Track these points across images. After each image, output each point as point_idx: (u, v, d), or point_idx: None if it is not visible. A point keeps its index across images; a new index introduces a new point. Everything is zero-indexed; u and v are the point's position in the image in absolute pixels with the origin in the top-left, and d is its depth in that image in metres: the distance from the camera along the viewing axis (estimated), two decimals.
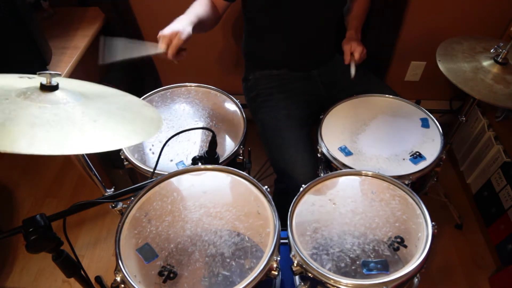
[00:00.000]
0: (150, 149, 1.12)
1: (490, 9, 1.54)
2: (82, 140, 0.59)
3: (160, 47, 0.97)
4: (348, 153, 1.12)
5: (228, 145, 1.13)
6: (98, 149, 0.60)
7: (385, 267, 0.79)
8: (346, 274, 0.78)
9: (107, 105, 0.73)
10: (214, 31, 1.22)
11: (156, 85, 1.34)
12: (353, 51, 1.25)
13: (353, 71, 1.22)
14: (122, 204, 1.04)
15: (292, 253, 0.83)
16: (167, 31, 0.98)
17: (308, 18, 1.23)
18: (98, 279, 0.89)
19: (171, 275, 0.76)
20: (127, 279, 0.73)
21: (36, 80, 0.68)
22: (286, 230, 0.86)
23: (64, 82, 0.70)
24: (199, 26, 1.07)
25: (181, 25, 1.00)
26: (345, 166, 1.07)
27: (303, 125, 1.27)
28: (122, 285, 0.74)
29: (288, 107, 1.30)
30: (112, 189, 1.12)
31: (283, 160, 1.22)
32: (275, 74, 1.37)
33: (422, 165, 1.07)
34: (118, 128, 0.68)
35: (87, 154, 1.05)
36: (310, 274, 0.79)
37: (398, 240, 0.84)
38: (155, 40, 0.99)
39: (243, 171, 0.94)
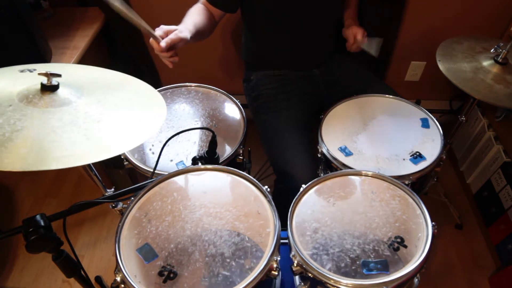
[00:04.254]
0: (150, 149, 1.12)
1: (490, 9, 1.54)
2: (87, 150, 0.60)
3: (156, 34, 0.95)
4: (348, 153, 1.11)
5: (228, 145, 1.13)
6: (103, 157, 0.60)
7: (385, 267, 0.79)
8: (346, 274, 0.78)
9: (110, 97, 0.73)
10: (214, 31, 1.21)
11: (156, 85, 1.33)
12: (355, 34, 1.24)
13: (373, 49, 1.24)
14: (122, 204, 1.04)
15: (292, 253, 0.83)
16: (166, 26, 0.98)
17: (311, 18, 1.23)
18: (98, 279, 0.89)
19: (171, 275, 0.76)
20: (127, 279, 0.73)
21: (36, 79, 0.68)
22: (286, 230, 0.86)
23: (66, 72, 0.70)
24: (196, 36, 1.06)
25: (180, 27, 1.00)
26: (345, 166, 1.07)
27: (304, 125, 1.27)
28: (122, 285, 0.74)
29: (289, 108, 1.30)
30: (112, 189, 1.11)
31: (283, 161, 1.22)
32: (277, 74, 1.37)
33: (422, 165, 1.07)
34: (121, 126, 0.68)
35: None
36: (310, 274, 0.79)
37: (398, 240, 0.84)
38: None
39: (243, 171, 0.94)
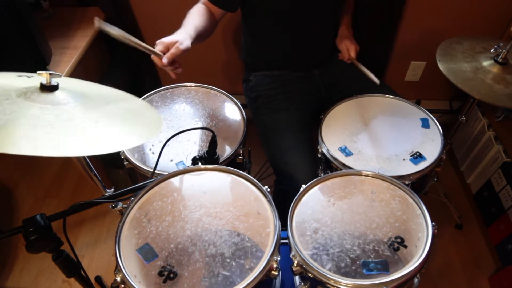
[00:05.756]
0: (150, 149, 1.12)
1: (490, 9, 1.54)
2: (84, 141, 0.59)
3: (157, 50, 0.94)
4: (348, 153, 1.12)
5: (228, 145, 1.13)
6: (101, 151, 0.59)
7: (385, 267, 0.79)
8: (346, 274, 0.78)
9: (108, 106, 0.73)
10: (214, 31, 1.21)
11: (156, 85, 1.34)
12: (348, 49, 1.31)
13: (372, 76, 1.22)
14: (122, 204, 1.04)
15: (292, 253, 0.83)
16: (166, 39, 0.96)
17: (311, 18, 1.23)
18: (98, 279, 0.89)
19: (171, 275, 0.76)
20: (127, 279, 0.73)
21: (35, 80, 0.68)
22: (286, 230, 0.86)
23: (64, 81, 0.70)
24: (197, 38, 1.05)
25: (180, 37, 0.97)
26: (345, 166, 1.07)
27: (303, 126, 1.27)
28: (122, 285, 0.74)
29: (288, 108, 1.30)
30: (112, 189, 1.12)
31: (283, 161, 1.22)
32: (276, 75, 1.37)
33: (422, 165, 1.07)
34: (120, 129, 0.68)
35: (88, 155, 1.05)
36: (310, 274, 0.79)
37: (398, 240, 0.84)
38: (154, 41, 0.98)
39: (243, 171, 0.94)
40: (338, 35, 1.36)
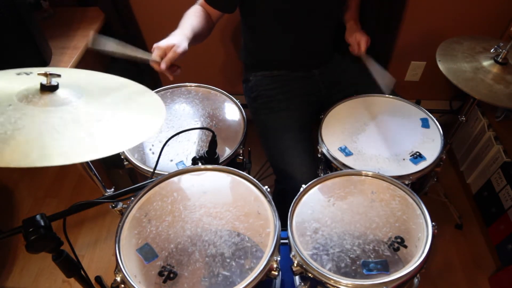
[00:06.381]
0: (150, 149, 1.12)
1: (490, 9, 1.54)
2: (89, 146, 0.60)
3: (154, 57, 0.94)
4: (348, 153, 1.12)
5: (228, 145, 1.13)
6: (105, 153, 0.60)
7: (385, 267, 0.79)
8: (346, 274, 0.78)
9: (109, 98, 0.74)
10: (214, 31, 1.21)
11: (156, 85, 1.34)
12: (359, 42, 1.28)
13: (385, 77, 1.17)
14: (122, 204, 1.04)
15: (292, 253, 0.83)
16: (162, 43, 0.95)
17: (312, 19, 1.23)
18: (98, 279, 0.89)
19: (171, 275, 0.76)
20: (127, 279, 0.73)
21: (35, 79, 0.68)
22: (286, 230, 0.86)
23: (64, 75, 0.71)
24: (195, 39, 1.05)
25: (177, 40, 0.97)
26: (345, 166, 1.07)
27: (303, 126, 1.27)
28: (122, 285, 0.74)
29: (288, 108, 1.30)
30: (112, 189, 1.11)
31: (282, 161, 1.22)
32: (276, 74, 1.37)
33: (422, 165, 1.07)
34: (122, 125, 0.68)
35: None
36: (310, 274, 0.79)
37: (398, 240, 0.84)
38: (154, 40, 0.98)
39: (243, 171, 0.94)
40: (347, 29, 1.33)
